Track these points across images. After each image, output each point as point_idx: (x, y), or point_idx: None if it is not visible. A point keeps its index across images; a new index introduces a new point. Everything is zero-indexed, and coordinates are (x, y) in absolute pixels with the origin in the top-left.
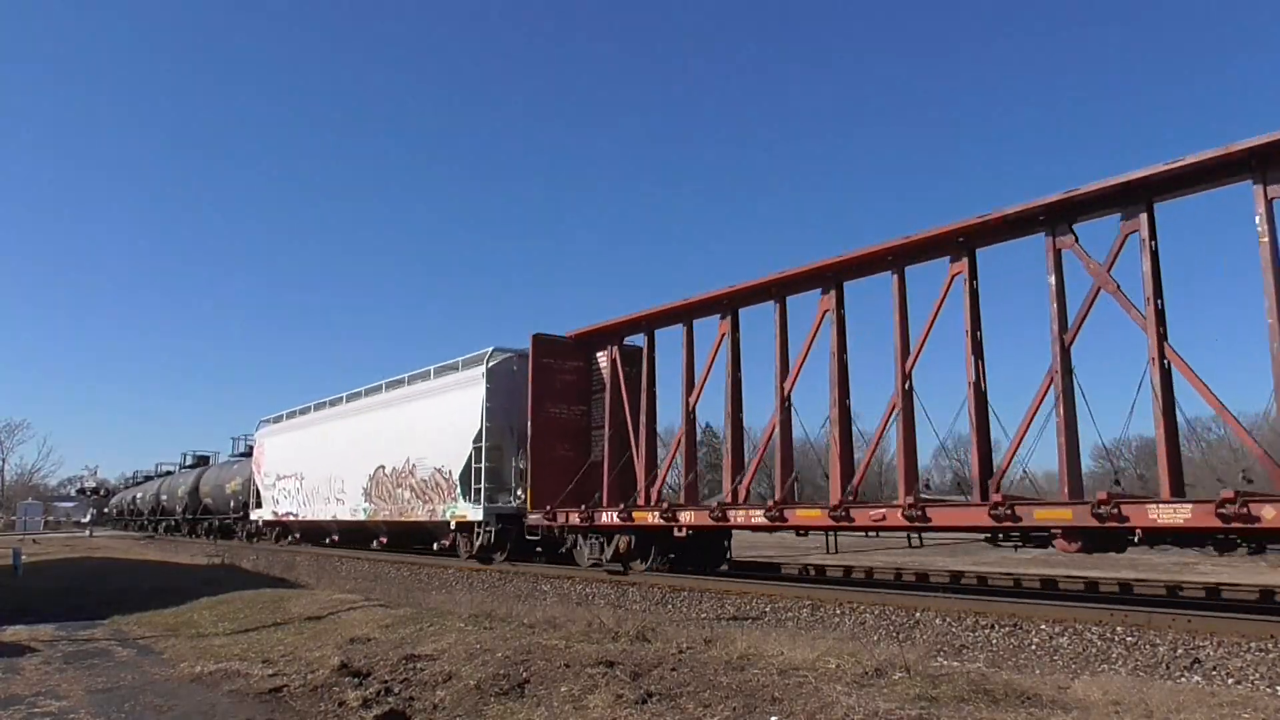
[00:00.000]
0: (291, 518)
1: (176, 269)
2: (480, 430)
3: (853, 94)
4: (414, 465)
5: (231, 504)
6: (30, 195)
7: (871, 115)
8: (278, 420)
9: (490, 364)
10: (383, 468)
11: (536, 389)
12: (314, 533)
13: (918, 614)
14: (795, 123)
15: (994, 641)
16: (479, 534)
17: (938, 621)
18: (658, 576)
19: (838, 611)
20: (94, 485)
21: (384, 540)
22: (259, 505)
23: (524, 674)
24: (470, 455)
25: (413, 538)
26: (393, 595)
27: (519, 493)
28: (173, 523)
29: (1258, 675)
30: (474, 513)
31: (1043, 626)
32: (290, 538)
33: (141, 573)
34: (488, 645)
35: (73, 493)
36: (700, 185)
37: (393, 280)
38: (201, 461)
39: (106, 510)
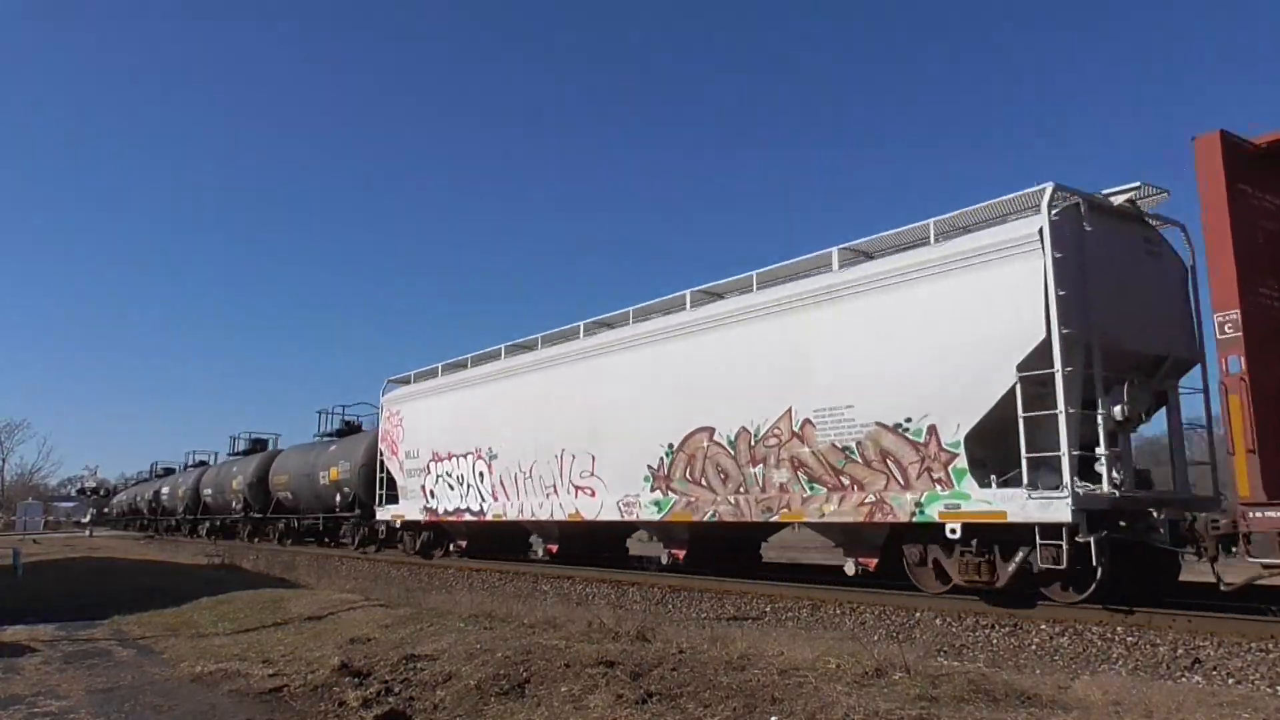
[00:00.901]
0: (460, 516)
1: (177, 269)
2: (1046, 341)
3: None
4: (806, 421)
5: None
6: (30, 195)
7: None
8: (426, 377)
9: (1053, 213)
10: (709, 431)
11: (1240, 244)
12: (507, 538)
13: (918, 614)
14: None
15: (994, 641)
16: (1048, 552)
17: (938, 622)
18: (656, 576)
19: (838, 611)
20: (94, 485)
21: (681, 553)
22: (389, 500)
23: (524, 674)
24: (1007, 394)
25: (744, 546)
26: (393, 595)
27: (1120, 471)
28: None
29: (1258, 675)
30: (1040, 509)
31: (1043, 626)
32: (450, 546)
33: (141, 573)
34: (488, 645)
35: (73, 493)
36: None
37: (392, 282)
38: (203, 463)
39: (106, 510)
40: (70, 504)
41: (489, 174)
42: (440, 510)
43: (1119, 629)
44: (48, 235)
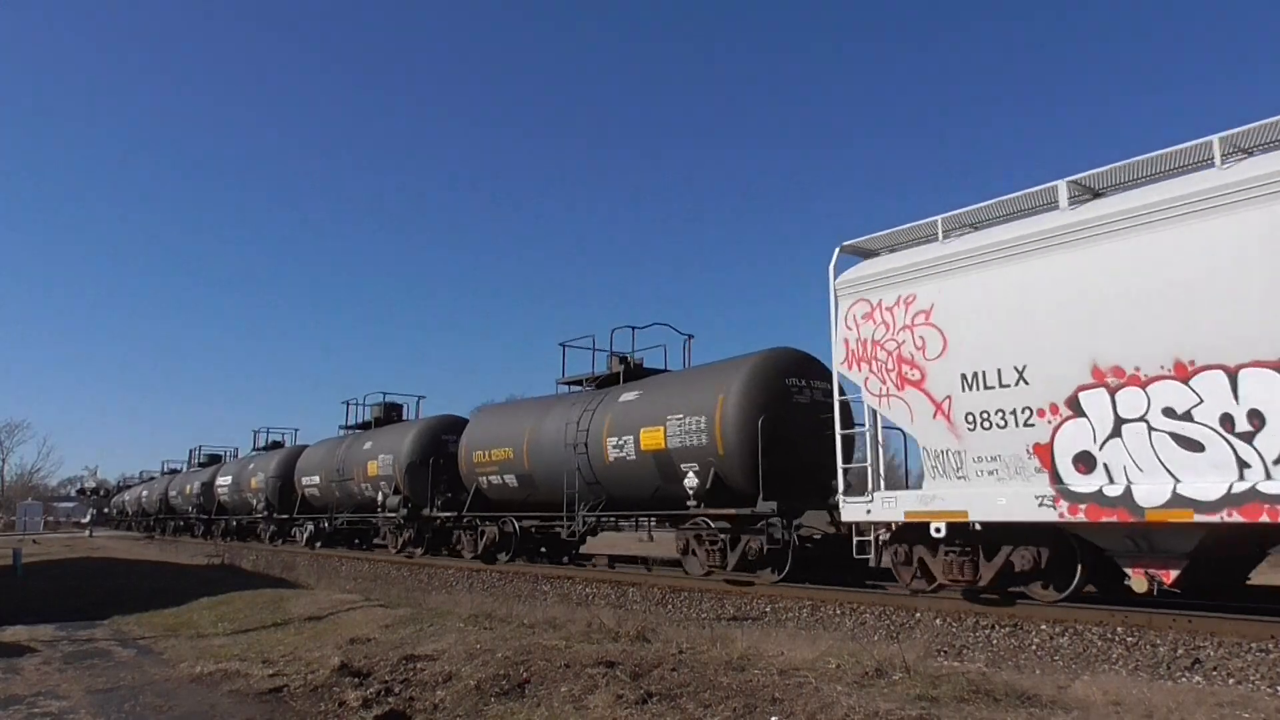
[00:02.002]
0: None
1: (177, 269)
2: None
3: None
4: None
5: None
6: (30, 195)
7: None
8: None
9: None
10: None
11: None
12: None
13: (918, 614)
14: None
15: (994, 641)
16: None
17: (938, 622)
18: (656, 576)
19: (838, 611)
20: (94, 485)
21: None
22: (855, 488)
23: (524, 674)
24: None
25: None
26: (393, 595)
27: None
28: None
29: (1258, 675)
30: None
31: (1043, 626)
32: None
33: (141, 573)
34: (488, 645)
35: (73, 493)
36: None
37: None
38: (213, 460)
39: (107, 510)
40: (70, 504)
41: (486, 174)
42: (1152, 497)
43: (1119, 629)
44: (47, 235)
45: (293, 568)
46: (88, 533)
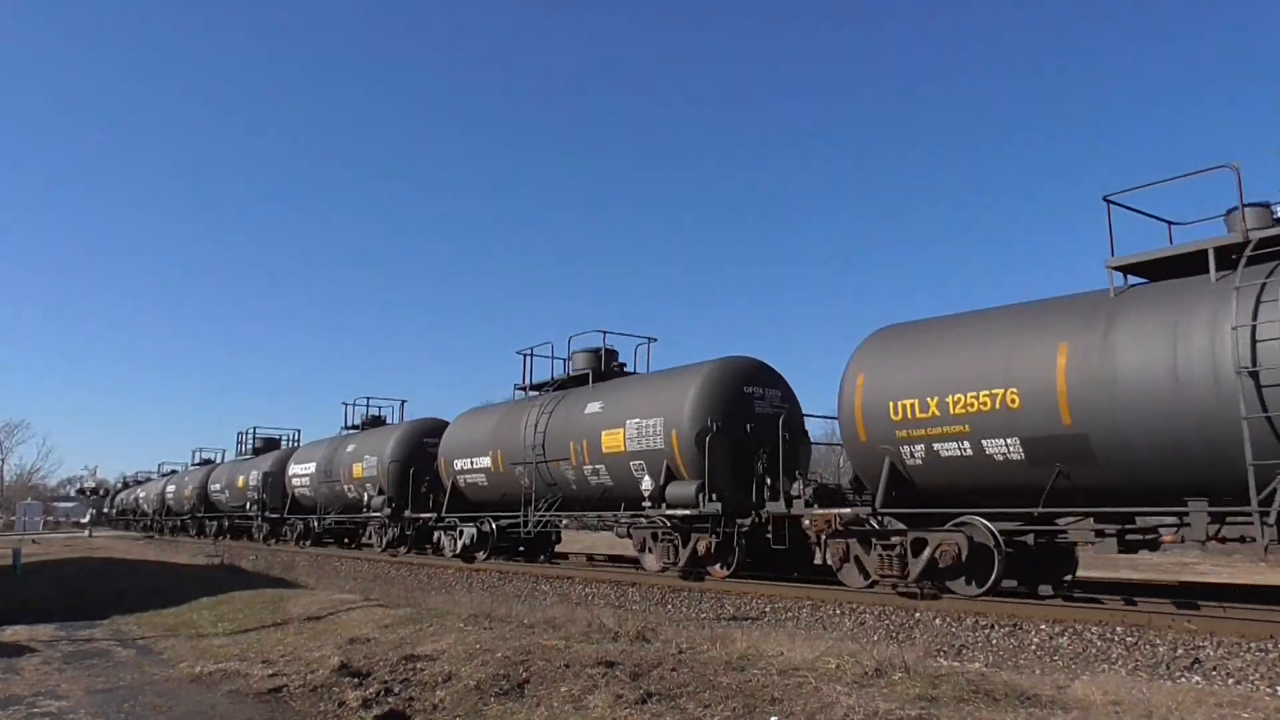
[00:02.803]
0: None
1: (176, 269)
2: None
3: None
4: None
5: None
6: (29, 195)
7: None
8: None
9: None
10: None
11: None
12: None
13: (917, 614)
14: None
15: (994, 641)
16: None
17: (937, 622)
18: (656, 576)
19: (837, 611)
20: (93, 485)
21: None
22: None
23: (524, 674)
24: None
25: None
26: (392, 595)
27: None
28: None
29: (1258, 675)
30: None
31: (1042, 626)
32: None
33: (141, 573)
34: (487, 645)
35: (72, 493)
36: None
37: (392, 283)
38: (208, 463)
39: (106, 510)
40: (70, 504)
41: (482, 176)
42: None
43: (1119, 629)
44: (47, 235)
45: (292, 567)
46: (87, 533)
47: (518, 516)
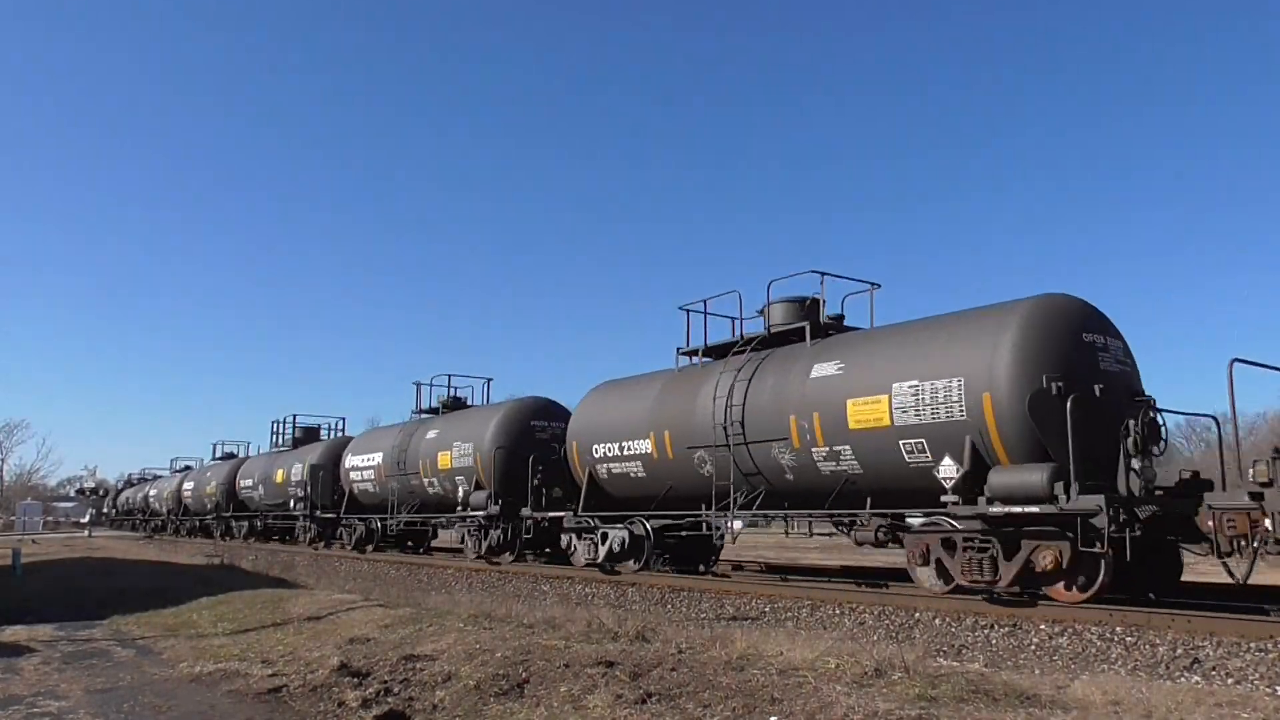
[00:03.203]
0: None
1: (176, 269)
2: None
3: None
4: None
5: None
6: (29, 194)
7: None
8: None
9: None
10: None
11: None
12: None
13: (917, 614)
14: None
15: (993, 641)
16: None
17: (937, 622)
18: (655, 576)
19: (837, 611)
20: (93, 485)
21: None
22: None
23: (523, 674)
24: None
25: None
26: (392, 595)
27: None
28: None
29: (1257, 675)
30: None
31: (1042, 626)
32: None
33: (141, 573)
34: (487, 645)
35: (72, 493)
36: None
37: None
38: (230, 457)
39: (106, 510)
40: (69, 504)
41: (481, 176)
42: None
43: (1118, 629)
44: (47, 235)
45: (292, 567)
46: (87, 533)
47: (693, 516)
